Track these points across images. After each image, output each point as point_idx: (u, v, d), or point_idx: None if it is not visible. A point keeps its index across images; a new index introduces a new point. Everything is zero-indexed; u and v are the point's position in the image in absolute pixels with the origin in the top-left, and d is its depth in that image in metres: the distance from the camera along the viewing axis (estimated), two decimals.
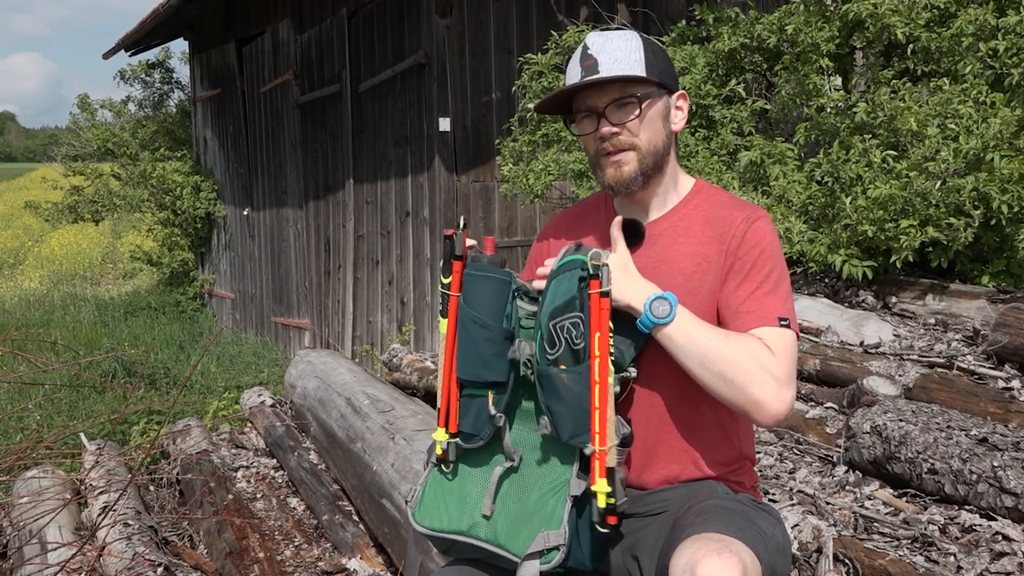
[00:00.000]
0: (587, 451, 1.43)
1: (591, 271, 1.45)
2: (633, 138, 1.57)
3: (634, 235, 1.61)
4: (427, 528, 1.57)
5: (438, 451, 1.58)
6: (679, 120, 1.64)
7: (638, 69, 1.55)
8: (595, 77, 1.53)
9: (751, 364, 1.45)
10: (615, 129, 1.56)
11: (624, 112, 1.56)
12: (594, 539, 1.47)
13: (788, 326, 1.51)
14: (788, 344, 1.50)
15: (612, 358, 1.45)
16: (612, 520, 1.43)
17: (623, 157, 1.57)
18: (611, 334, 1.46)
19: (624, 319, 1.50)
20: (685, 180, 1.69)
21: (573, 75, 1.57)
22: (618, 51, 1.55)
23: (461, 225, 1.57)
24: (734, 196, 1.68)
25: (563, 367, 1.45)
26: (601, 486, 1.41)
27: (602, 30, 1.64)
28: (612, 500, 1.42)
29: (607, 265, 1.46)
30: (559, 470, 1.50)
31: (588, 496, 1.45)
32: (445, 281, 1.57)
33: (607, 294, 1.45)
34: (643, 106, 1.56)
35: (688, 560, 1.30)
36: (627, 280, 1.51)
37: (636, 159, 1.58)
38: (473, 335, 1.53)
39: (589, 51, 1.56)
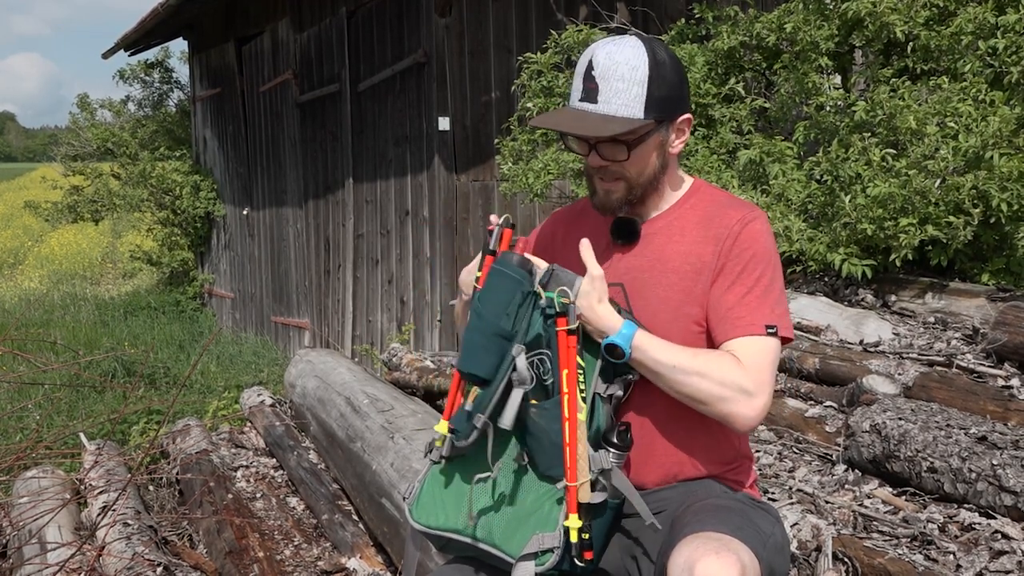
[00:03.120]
0: (559, 486, 1.43)
1: (557, 308, 1.44)
2: (623, 171, 1.56)
3: (629, 234, 1.61)
4: (423, 525, 1.58)
5: (438, 443, 1.59)
6: (677, 144, 1.61)
7: (636, 108, 1.50)
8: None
9: (720, 380, 1.47)
10: (604, 163, 1.56)
11: (613, 151, 1.54)
12: (592, 541, 1.47)
13: (775, 333, 1.51)
14: (767, 352, 1.51)
15: (582, 394, 1.45)
16: (588, 555, 1.42)
17: (612, 186, 1.58)
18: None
19: None
20: (683, 180, 1.68)
21: (575, 91, 1.54)
22: (620, 82, 1.49)
23: (501, 222, 1.56)
24: (732, 195, 1.67)
25: (534, 401, 1.46)
26: (573, 522, 1.41)
27: (607, 30, 1.62)
28: (586, 535, 1.42)
29: (574, 304, 1.46)
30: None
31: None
32: (476, 275, 1.57)
33: (574, 332, 1.44)
34: (632, 151, 1.53)
35: (686, 559, 1.30)
36: (591, 313, 1.49)
37: (625, 188, 1.58)
38: (470, 324, 1.52)
39: (593, 72, 1.51)
